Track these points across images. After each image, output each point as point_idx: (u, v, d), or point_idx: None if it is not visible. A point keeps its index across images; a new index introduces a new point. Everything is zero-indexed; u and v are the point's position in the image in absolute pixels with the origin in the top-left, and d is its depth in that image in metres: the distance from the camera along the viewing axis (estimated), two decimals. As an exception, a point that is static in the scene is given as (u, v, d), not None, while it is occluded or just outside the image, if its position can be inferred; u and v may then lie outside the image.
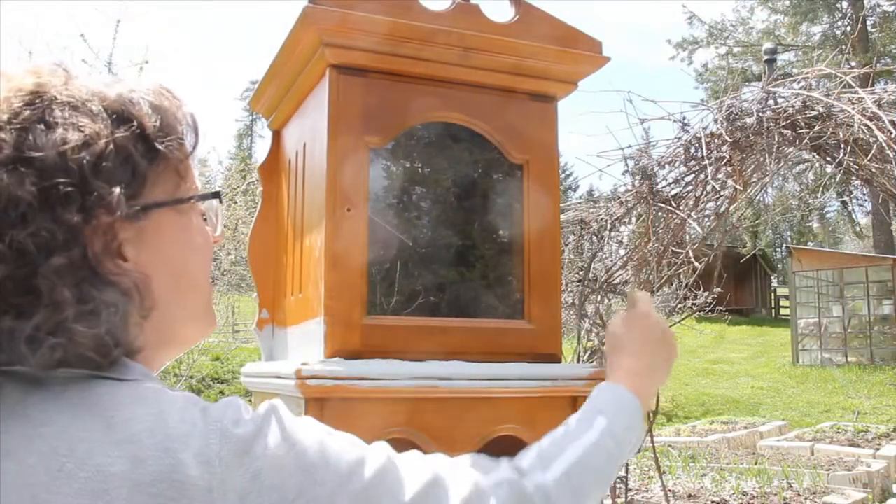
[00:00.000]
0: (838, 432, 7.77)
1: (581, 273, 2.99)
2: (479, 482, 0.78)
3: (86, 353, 0.66)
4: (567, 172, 36.78)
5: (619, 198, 2.97)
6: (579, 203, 3.24)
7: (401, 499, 0.71)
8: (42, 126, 0.67)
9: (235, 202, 8.25)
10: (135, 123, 0.72)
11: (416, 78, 1.41)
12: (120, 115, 0.72)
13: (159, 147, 0.74)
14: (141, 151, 0.72)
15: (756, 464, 6.15)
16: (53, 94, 0.69)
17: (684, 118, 2.80)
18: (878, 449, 6.59)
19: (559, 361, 1.46)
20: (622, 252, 3.18)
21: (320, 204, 1.35)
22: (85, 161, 0.67)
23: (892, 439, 7.22)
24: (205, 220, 0.82)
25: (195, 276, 0.80)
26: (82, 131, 0.68)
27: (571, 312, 3.00)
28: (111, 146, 0.69)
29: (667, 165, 2.82)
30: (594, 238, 3.02)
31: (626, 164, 2.89)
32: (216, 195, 0.84)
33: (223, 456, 0.63)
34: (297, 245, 1.51)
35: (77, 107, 0.69)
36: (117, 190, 0.68)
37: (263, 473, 0.64)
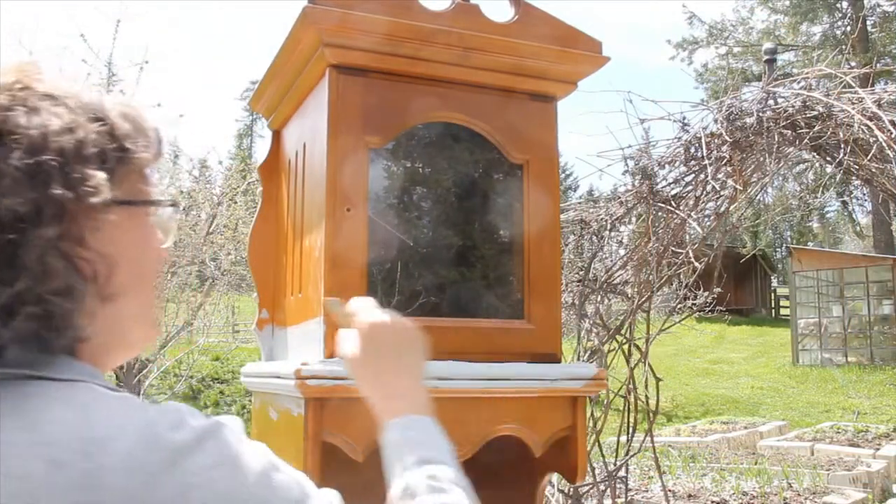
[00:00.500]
0: (838, 432, 7.77)
1: (581, 273, 2.99)
2: None
3: (47, 331, 0.67)
4: (567, 172, 36.77)
5: (619, 198, 2.97)
6: (579, 203, 3.24)
7: None
8: (25, 109, 0.70)
9: (235, 202, 8.25)
10: (107, 123, 0.75)
11: (415, 78, 1.41)
12: (93, 113, 0.75)
13: (128, 147, 0.76)
14: (112, 149, 0.74)
15: (756, 464, 6.15)
16: (33, 86, 0.72)
17: (684, 118, 2.80)
18: (878, 449, 6.59)
19: (559, 361, 1.46)
20: (622, 252, 3.19)
21: (320, 204, 1.35)
22: (68, 144, 0.69)
23: (892, 439, 7.22)
24: (159, 232, 0.84)
25: (148, 279, 0.81)
26: (61, 119, 0.70)
27: (571, 312, 3.00)
28: (89, 137, 0.72)
29: (667, 165, 2.82)
30: (594, 238, 3.02)
31: (626, 164, 2.89)
32: (176, 204, 0.86)
33: (151, 463, 0.60)
34: (297, 245, 1.51)
35: (55, 98, 0.72)
36: (101, 174, 0.70)
37: (191, 490, 0.61)
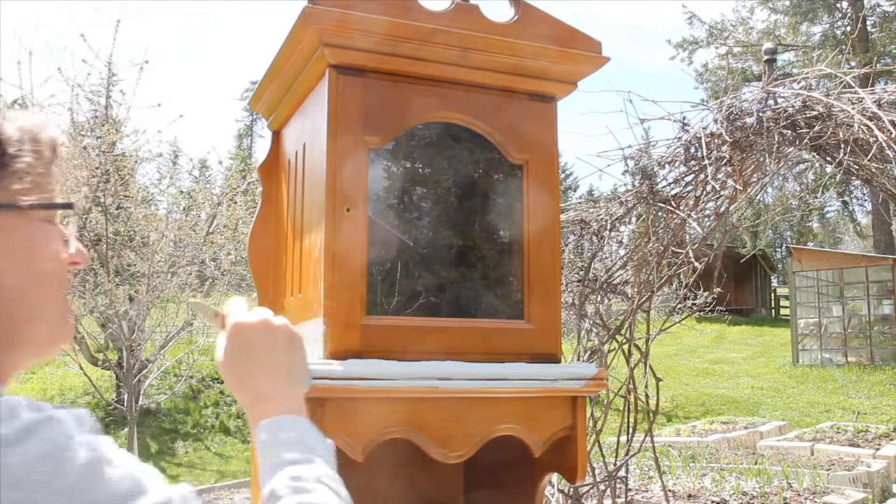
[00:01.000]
0: (838, 432, 7.77)
1: (581, 273, 2.99)
2: None
3: None
4: (567, 172, 36.78)
5: (619, 198, 2.97)
6: (579, 203, 3.24)
7: None
8: None
9: (235, 202, 8.25)
10: None
11: (415, 78, 1.41)
12: None
13: (11, 153, 0.79)
14: None
15: (756, 464, 6.15)
16: None
17: (684, 118, 2.80)
18: (878, 449, 6.59)
19: (559, 361, 1.45)
20: (622, 252, 3.18)
21: (320, 204, 1.35)
22: None
23: (892, 439, 7.22)
24: (65, 241, 0.86)
25: (44, 281, 0.82)
26: None
27: (571, 312, 3.00)
28: None
29: (667, 165, 2.82)
30: (594, 238, 3.02)
31: (626, 164, 2.89)
32: (68, 206, 0.86)
33: None
34: (296, 245, 1.51)
35: None
36: None
37: (13, 485, 0.61)
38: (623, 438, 3.11)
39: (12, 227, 0.79)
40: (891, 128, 2.35)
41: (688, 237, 2.95)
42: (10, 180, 0.79)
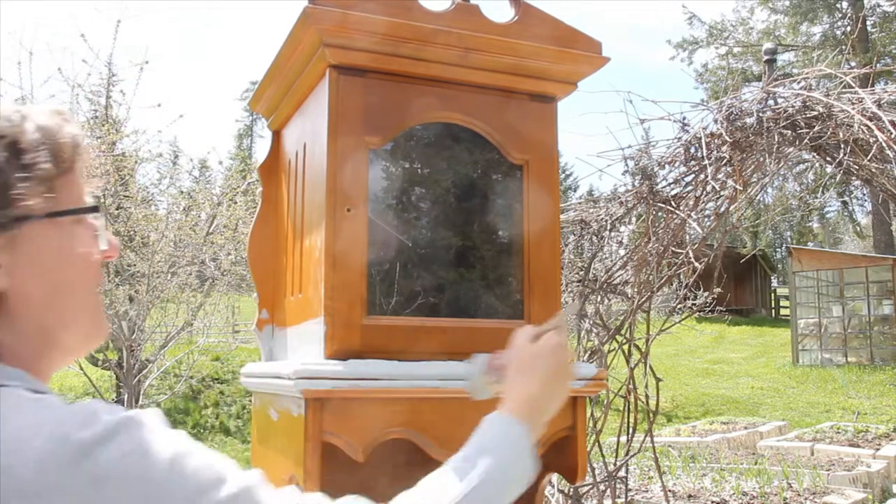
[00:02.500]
0: (838, 432, 7.77)
1: (581, 273, 2.99)
2: None
3: None
4: (567, 172, 36.78)
5: (619, 198, 2.97)
6: (579, 203, 3.24)
7: None
8: None
9: (235, 202, 8.25)
10: (7, 138, 0.77)
11: (415, 78, 1.41)
12: None
13: (31, 163, 0.77)
14: (13, 166, 0.76)
15: (756, 464, 6.15)
16: None
17: (684, 118, 2.80)
18: (878, 449, 6.59)
19: (559, 361, 1.45)
20: (622, 252, 3.18)
21: (320, 204, 1.35)
22: None
23: (892, 439, 7.22)
24: (95, 236, 0.85)
25: (74, 286, 0.82)
26: None
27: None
28: None
29: (667, 165, 2.82)
30: (594, 238, 3.02)
31: (626, 164, 2.89)
32: (94, 209, 0.86)
33: (59, 459, 0.63)
34: (297, 245, 1.51)
35: None
36: None
37: (106, 481, 0.63)
38: (623, 438, 3.11)
39: (39, 236, 0.78)
40: (891, 128, 2.35)
41: (688, 237, 2.95)
42: (32, 188, 0.78)
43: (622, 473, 3.26)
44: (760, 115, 2.66)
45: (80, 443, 0.64)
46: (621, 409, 3.05)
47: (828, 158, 2.78)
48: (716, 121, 2.75)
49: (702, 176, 2.72)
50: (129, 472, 0.65)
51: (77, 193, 0.83)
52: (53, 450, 0.63)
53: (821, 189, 3.90)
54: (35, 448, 0.63)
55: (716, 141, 2.70)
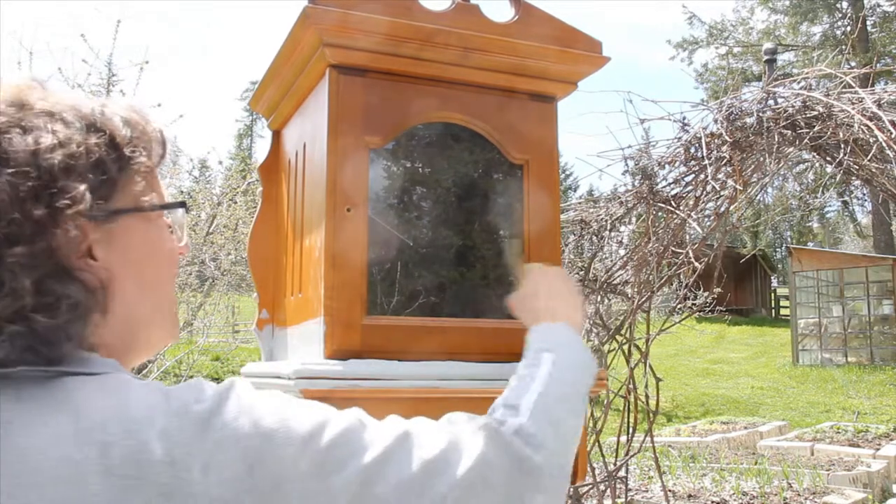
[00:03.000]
0: (838, 432, 7.77)
1: (581, 273, 2.99)
2: (454, 437, 0.79)
3: (38, 345, 0.70)
4: (567, 172, 36.80)
5: (619, 198, 2.97)
6: (579, 203, 3.24)
7: (361, 460, 0.72)
8: (19, 130, 0.72)
9: (235, 202, 8.25)
10: (106, 133, 0.77)
11: (416, 78, 1.41)
12: (92, 124, 0.77)
13: (129, 155, 0.78)
14: (111, 158, 0.77)
15: (756, 464, 6.15)
16: (31, 104, 0.75)
17: (684, 118, 2.80)
18: (878, 449, 6.59)
19: (559, 361, 1.45)
20: (622, 252, 3.18)
21: (320, 204, 1.35)
22: (56, 161, 0.71)
23: (892, 439, 7.22)
24: (171, 231, 0.87)
25: (161, 281, 0.84)
26: (55, 135, 0.73)
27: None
28: (82, 149, 0.74)
29: (667, 165, 2.82)
30: (594, 238, 3.02)
31: (626, 164, 2.89)
32: (182, 205, 0.88)
33: (184, 431, 0.67)
34: (297, 245, 1.51)
35: (52, 114, 0.75)
36: (83, 187, 0.72)
37: (224, 442, 0.67)
38: (623, 438, 3.11)
39: (133, 231, 0.79)
40: (891, 128, 2.34)
41: (688, 237, 2.95)
42: (130, 182, 0.79)
43: (622, 473, 3.26)
44: (760, 115, 2.66)
45: (200, 414, 0.68)
46: (621, 409, 3.05)
47: (828, 158, 2.78)
48: (716, 121, 2.74)
49: (702, 176, 2.72)
50: (242, 432, 0.68)
51: (161, 188, 0.85)
52: (178, 426, 0.67)
53: (821, 189, 3.90)
54: (161, 423, 0.67)
55: (716, 141, 2.70)
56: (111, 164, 0.76)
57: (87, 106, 0.78)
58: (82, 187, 0.72)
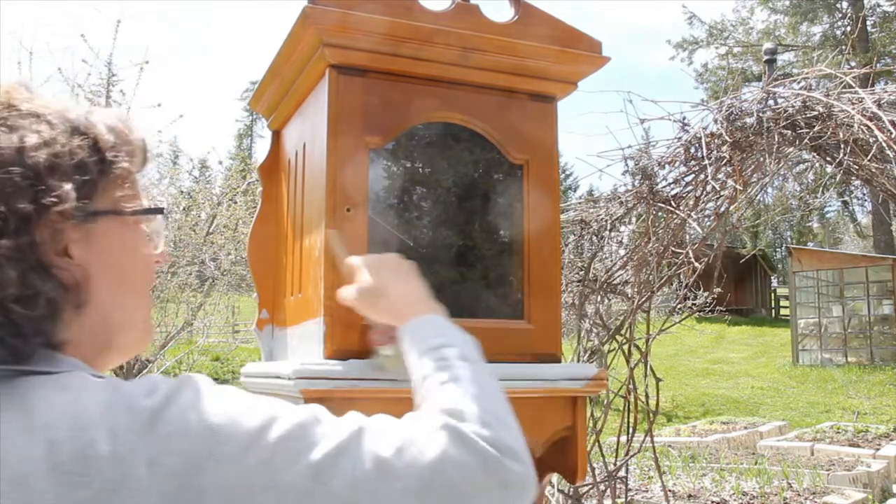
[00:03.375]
0: (838, 432, 7.77)
1: (581, 273, 2.99)
2: (413, 433, 0.77)
3: (9, 337, 0.71)
4: (567, 172, 36.80)
5: (619, 198, 2.97)
6: (579, 203, 3.24)
7: (309, 458, 0.71)
8: (4, 129, 0.75)
9: (235, 202, 8.25)
10: (90, 136, 0.79)
11: (416, 78, 1.41)
12: (76, 128, 0.79)
13: (111, 160, 0.81)
14: (94, 161, 0.79)
15: (756, 464, 6.15)
16: (17, 105, 0.77)
17: (684, 118, 2.80)
18: (878, 449, 6.59)
19: (559, 361, 1.45)
20: (622, 252, 3.18)
21: (320, 204, 1.35)
22: (41, 159, 0.74)
23: (892, 439, 7.22)
24: (149, 239, 0.88)
25: (136, 286, 0.85)
26: (40, 135, 0.75)
27: (571, 312, 3.01)
28: (66, 150, 0.76)
29: (667, 165, 2.82)
30: (594, 238, 3.02)
31: (626, 164, 2.89)
32: (160, 211, 0.90)
33: (132, 427, 0.67)
34: (296, 245, 1.51)
35: (38, 116, 0.77)
36: (68, 186, 0.74)
37: (171, 438, 0.68)
38: (623, 438, 3.11)
39: (111, 233, 0.81)
40: (891, 128, 2.34)
41: (688, 237, 2.95)
42: (110, 186, 0.81)
43: (622, 473, 3.26)
44: (760, 115, 2.66)
45: (149, 410, 0.69)
46: (621, 409, 3.05)
47: (828, 158, 2.78)
48: (716, 121, 2.74)
49: (702, 176, 2.72)
50: (190, 427, 0.69)
51: (141, 196, 0.87)
52: (126, 422, 0.67)
53: (821, 189, 3.90)
54: (109, 420, 0.67)
55: (716, 141, 2.70)
56: (93, 167, 0.78)
57: (72, 111, 0.81)
58: (67, 186, 0.74)
